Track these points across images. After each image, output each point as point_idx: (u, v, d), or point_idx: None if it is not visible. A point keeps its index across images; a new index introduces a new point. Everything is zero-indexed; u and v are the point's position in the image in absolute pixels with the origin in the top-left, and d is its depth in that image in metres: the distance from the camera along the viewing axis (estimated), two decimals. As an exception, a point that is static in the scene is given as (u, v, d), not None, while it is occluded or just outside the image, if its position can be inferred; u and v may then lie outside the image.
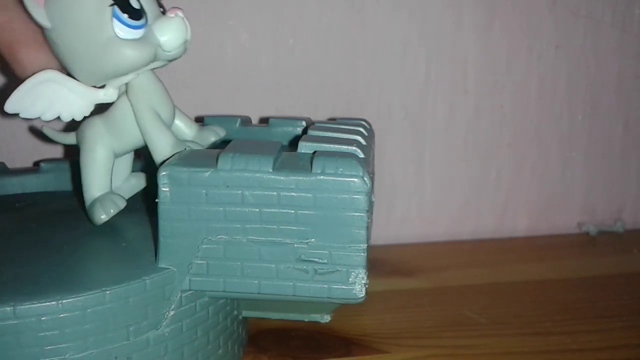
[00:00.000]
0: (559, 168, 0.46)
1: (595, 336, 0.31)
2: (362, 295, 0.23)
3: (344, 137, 0.26)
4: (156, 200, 0.22)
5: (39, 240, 0.25)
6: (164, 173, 0.22)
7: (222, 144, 0.25)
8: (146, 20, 0.23)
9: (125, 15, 0.22)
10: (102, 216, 0.25)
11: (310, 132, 0.27)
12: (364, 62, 0.42)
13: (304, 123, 0.35)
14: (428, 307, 0.34)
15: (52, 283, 0.21)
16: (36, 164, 0.37)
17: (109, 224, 0.25)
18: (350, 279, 0.23)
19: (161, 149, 0.24)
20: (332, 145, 0.24)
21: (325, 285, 0.23)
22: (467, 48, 0.43)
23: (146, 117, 0.24)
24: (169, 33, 0.23)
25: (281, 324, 0.30)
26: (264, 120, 0.38)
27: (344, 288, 0.23)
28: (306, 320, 0.30)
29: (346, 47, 0.41)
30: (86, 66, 0.23)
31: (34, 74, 0.22)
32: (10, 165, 0.35)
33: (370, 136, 0.30)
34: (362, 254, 0.22)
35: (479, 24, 0.42)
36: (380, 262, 0.39)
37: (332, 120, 0.34)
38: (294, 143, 0.25)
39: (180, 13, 0.23)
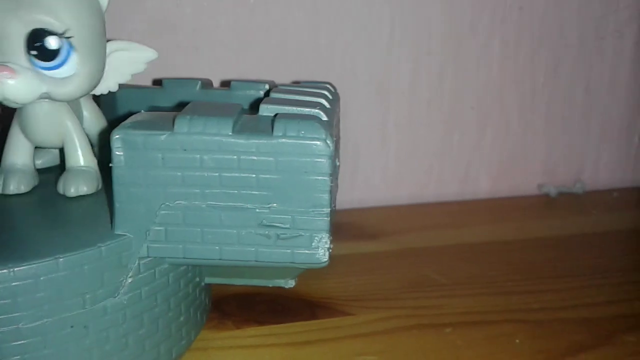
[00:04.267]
0: (520, 130, 0.47)
1: (557, 295, 0.31)
2: (326, 259, 0.23)
3: (307, 99, 0.26)
4: (110, 164, 0.21)
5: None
6: (117, 136, 0.21)
7: (180, 107, 0.24)
8: None
9: None
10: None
11: (273, 95, 0.26)
12: (327, 22, 0.41)
13: (266, 86, 0.34)
14: (392, 270, 0.34)
15: (3, 250, 0.20)
16: None
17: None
18: (313, 244, 0.22)
19: None
20: (294, 108, 0.24)
21: (288, 250, 0.22)
22: (431, 9, 0.42)
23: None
24: None
25: (245, 289, 0.30)
26: (226, 84, 0.37)
27: (307, 253, 0.22)
28: (270, 285, 0.30)
29: (308, 6, 0.40)
30: None
31: None
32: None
33: (334, 99, 0.29)
34: (325, 218, 0.22)
35: (443, -15, 0.42)
36: (344, 225, 0.39)
37: (296, 83, 0.34)
38: (255, 106, 0.24)
39: None
